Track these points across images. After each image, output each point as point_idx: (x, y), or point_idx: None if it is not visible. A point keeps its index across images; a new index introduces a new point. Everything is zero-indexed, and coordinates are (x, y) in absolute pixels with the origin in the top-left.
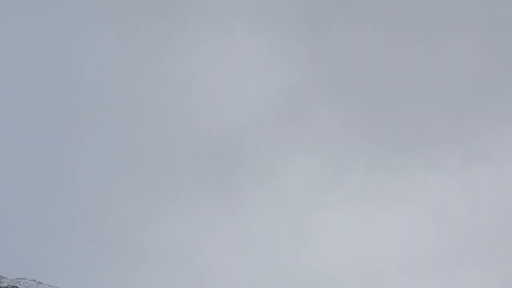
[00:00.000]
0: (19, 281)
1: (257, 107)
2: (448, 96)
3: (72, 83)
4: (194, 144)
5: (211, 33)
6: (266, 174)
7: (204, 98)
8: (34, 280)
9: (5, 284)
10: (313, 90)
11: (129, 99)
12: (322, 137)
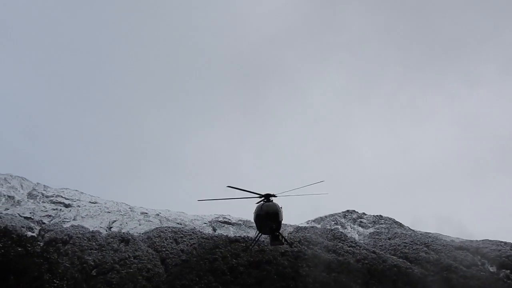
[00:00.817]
0: (62, 191)
1: (284, 15)
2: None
3: None
4: (222, 57)
5: None
6: (293, 86)
7: (228, 6)
8: (76, 190)
9: (50, 193)
10: None
11: (156, 14)
12: (351, 47)
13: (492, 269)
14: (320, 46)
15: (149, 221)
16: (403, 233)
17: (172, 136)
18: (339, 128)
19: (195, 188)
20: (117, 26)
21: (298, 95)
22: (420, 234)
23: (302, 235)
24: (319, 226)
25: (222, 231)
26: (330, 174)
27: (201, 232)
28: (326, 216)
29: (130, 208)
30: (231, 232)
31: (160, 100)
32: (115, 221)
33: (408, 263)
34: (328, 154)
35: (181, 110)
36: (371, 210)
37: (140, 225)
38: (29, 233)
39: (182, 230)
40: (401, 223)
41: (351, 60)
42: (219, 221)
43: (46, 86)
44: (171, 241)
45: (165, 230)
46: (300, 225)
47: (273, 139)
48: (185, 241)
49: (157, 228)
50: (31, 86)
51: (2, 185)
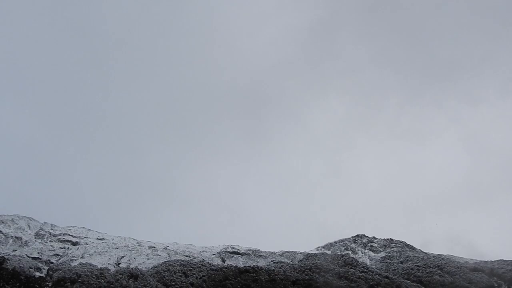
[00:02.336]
0: (70, 229)
1: (281, 46)
2: (486, 19)
3: (96, 34)
4: (221, 90)
5: None
6: (294, 115)
7: (226, 40)
8: (83, 227)
9: (57, 232)
10: (339, 24)
11: (155, 50)
12: (350, 73)
13: None
14: (319, 74)
15: (157, 255)
16: (415, 256)
17: (176, 169)
18: (342, 154)
19: (202, 219)
20: (115, 61)
21: (299, 124)
22: (433, 256)
23: (312, 262)
24: (329, 252)
25: (231, 261)
26: (336, 199)
27: (210, 264)
28: (335, 242)
29: (137, 242)
30: (240, 262)
31: (162, 134)
32: (123, 256)
33: (423, 287)
34: (333, 180)
35: (181, 144)
36: (381, 234)
37: (148, 259)
38: (37, 274)
39: (191, 263)
40: (412, 246)
41: (350, 86)
42: (228, 252)
43: (46, 123)
44: (180, 274)
45: (174, 263)
46: (310, 252)
47: (276, 168)
48: (195, 273)
49: (165, 261)
50: (32, 124)
51: (10, 226)
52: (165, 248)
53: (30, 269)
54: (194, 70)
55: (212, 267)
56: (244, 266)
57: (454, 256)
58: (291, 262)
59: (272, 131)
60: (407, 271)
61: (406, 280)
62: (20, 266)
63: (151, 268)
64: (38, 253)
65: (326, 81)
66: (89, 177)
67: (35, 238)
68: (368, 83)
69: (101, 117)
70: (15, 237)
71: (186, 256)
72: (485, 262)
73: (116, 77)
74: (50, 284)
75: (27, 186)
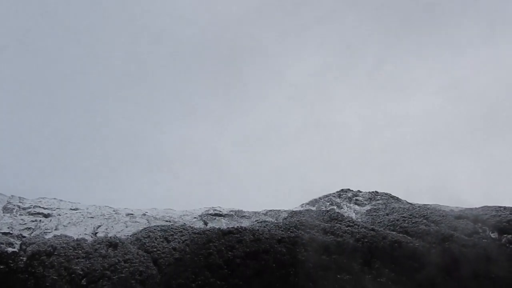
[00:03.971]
0: (40, 201)
1: None
2: None
3: None
4: (190, 43)
5: None
6: (270, 67)
7: None
8: (54, 198)
9: (27, 205)
10: None
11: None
12: (328, 21)
13: (494, 235)
14: (295, 22)
15: (136, 222)
16: (400, 207)
17: (147, 129)
18: (321, 106)
19: (179, 182)
20: (76, 12)
21: (276, 76)
22: (418, 206)
23: (297, 219)
24: (314, 208)
25: (214, 224)
26: (318, 153)
27: (192, 228)
28: (320, 198)
29: (114, 210)
30: (223, 224)
31: (131, 92)
32: (100, 226)
33: (409, 238)
34: (313, 133)
35: (154, 102)
36: (365, 187)
37: (127, 227)
38: (10, 249)
39: (172, 228)
40: (398, 198)
41: (328, 35)
42: (210, 214)
43: (4, 85)
44: (161, 240)
45: (154, 229)
46: (294, 209)
47: (254, 124)
48: (176, 238)
49: (145, 228)
50: None
51: None
52: (144, 215)
53: (1, 245)
54: (161, 21)
55: (195, 230)
56: (228, 228)
57: (439, 205)
58: (275, 221)
59: (247, 84)
60: (393, 222)
61: (392, 232)
62: None
63: (130, 236)
64: (8, 228)
65: (303, 30)
66: (53, 143)
67: (3, 212)
68: (346, 31)
69: (65, 75)
70: None
71: (167, 221)
72: (470, 209)
73: (76, 28)
74: (24, 258)
75: None
